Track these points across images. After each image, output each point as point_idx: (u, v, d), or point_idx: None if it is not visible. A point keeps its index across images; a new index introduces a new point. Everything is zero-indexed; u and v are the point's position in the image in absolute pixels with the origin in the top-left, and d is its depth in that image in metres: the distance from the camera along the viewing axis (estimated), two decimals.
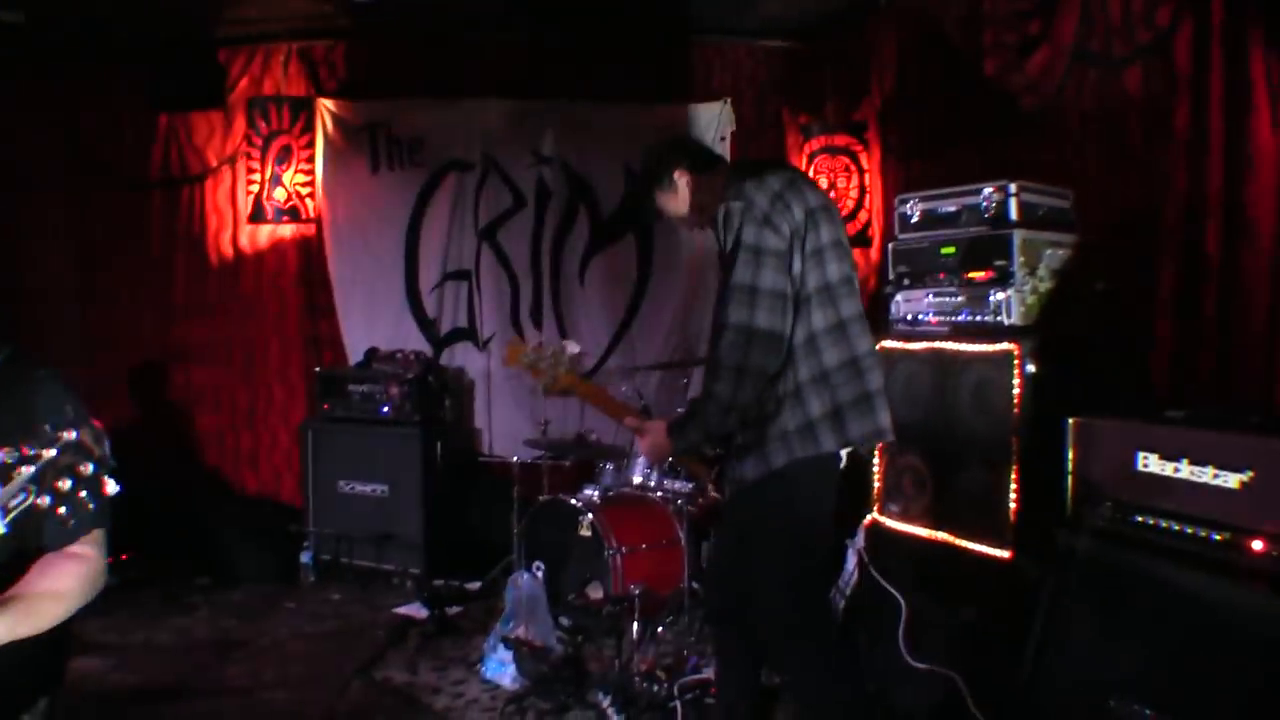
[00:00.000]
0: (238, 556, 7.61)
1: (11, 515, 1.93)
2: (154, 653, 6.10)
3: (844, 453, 3.70)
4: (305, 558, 7.46)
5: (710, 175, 3.87)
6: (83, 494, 1.94)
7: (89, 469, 1.94)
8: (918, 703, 4.47)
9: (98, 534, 2.49)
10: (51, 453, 1.93)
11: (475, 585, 7.03)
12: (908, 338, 5.06)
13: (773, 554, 3.70)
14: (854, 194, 7.73)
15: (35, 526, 2.28)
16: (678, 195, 3.93)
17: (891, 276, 5.26)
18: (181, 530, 7.69)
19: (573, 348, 4.13)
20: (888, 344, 4.99)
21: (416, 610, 6.61)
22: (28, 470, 1.92)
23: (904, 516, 4.90)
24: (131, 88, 8.30)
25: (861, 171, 7.73)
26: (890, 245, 5.32)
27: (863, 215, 7.72)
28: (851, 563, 5.16)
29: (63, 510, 1.94)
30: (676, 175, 3.89)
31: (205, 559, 7.62)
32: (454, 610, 6.54)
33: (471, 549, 7.34)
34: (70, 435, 1.95)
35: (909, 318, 5.11)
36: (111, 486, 1.99)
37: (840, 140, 7.78)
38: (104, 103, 8.44)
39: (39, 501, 1.92)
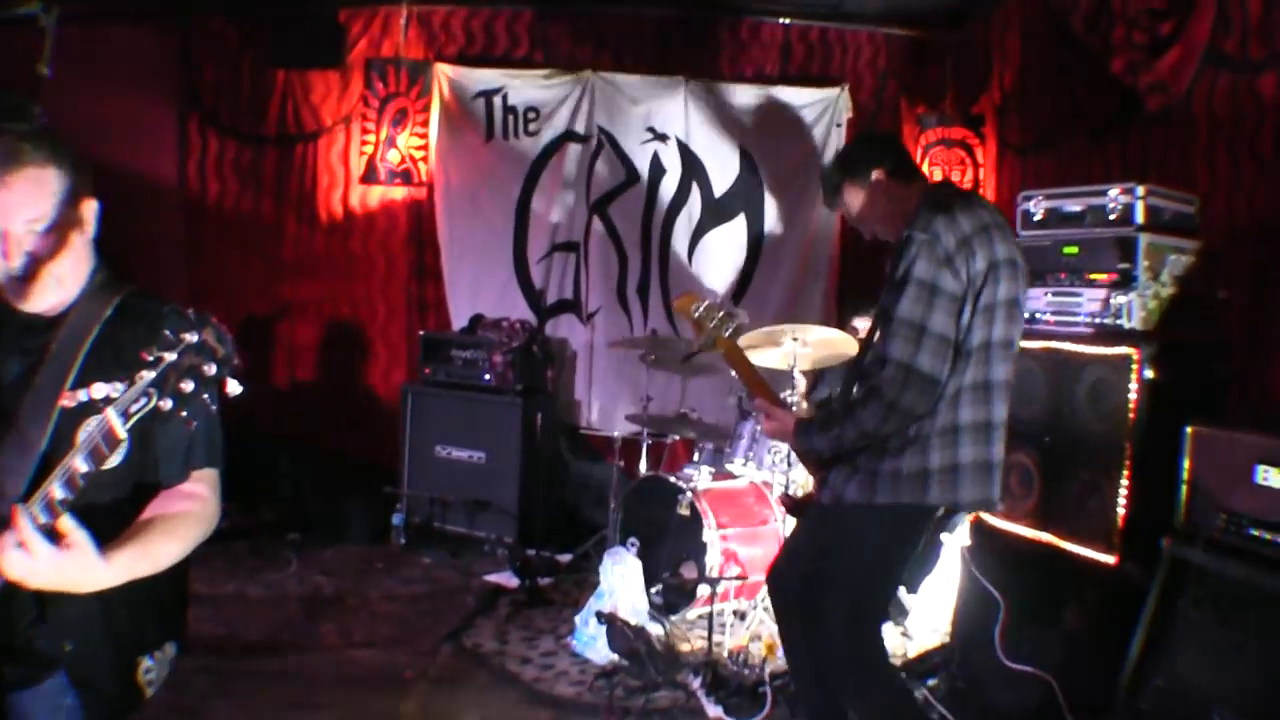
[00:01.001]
0: (331, 514, 7.64)
1: (134, 419, 1.95)
2: (244, 605, 6.15)
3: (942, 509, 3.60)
4: (397, 520, 7.46)
5: (906, 188, 3.76)
6: (205, 396, 1.97)
7: (212, 369, 1.95)
8: (1011, 705, 4.40)
9: (211, 474, 2.50)
10: (173, 355, 1.93)
11: (567, 557, 7.00)
12: (1024, 335, 4.91)
13: (845, 579, 3.65)
14: (968, 187, 7.55)
15: (155, 458, 2.31)
16: (865, 192, 3.82)
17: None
18: (276, 485, 7.75)
19: (742, 316, 4.07)
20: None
21: (507, 579, 6.61)
22: (149, 374, 1.93)
23: (1009, 515, 4.77)
24: (251, 43, 8.40)
25: (976, 165, 7.57)
26: None
27: None
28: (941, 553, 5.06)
29: (185, 413, 1.96)
30: (874, 172, 3.79)
31: (298, 515, 7.66)
32: (545, 581, 6.53)
33: (565, 521, 7.34)
34: (191, 337, 1.95)
35: (1028, 315, 4.96)
36: (234, 387, 2.00)
37: (956, 133, 7.63)
38: (222, 56, 8.52)
39: (161, 404, 1.94)
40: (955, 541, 4.96)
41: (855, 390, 3.66)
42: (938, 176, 7.55)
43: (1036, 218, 4.98)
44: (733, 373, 4.21)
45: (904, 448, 3.46)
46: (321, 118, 8.47)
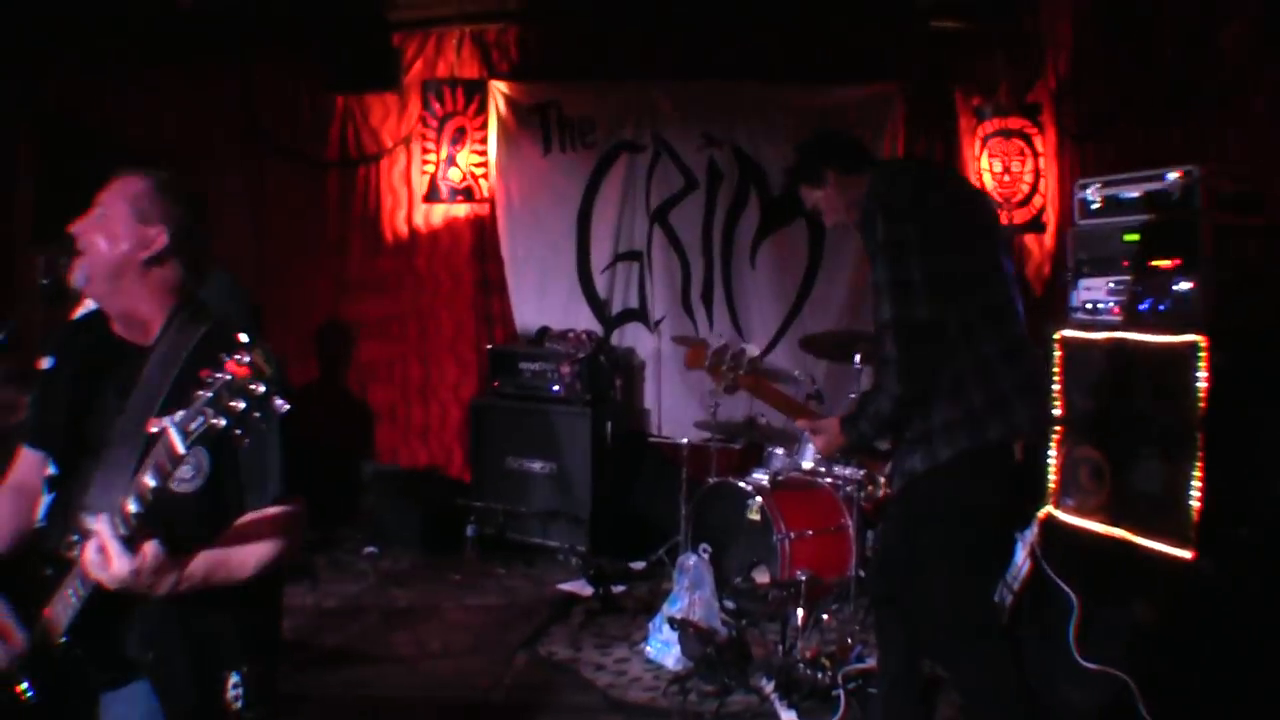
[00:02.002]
0: (405, 527, 7.75)
1: (192, 438, 2.09)
2: (321, 617, 6.26)
3: (1017, 446, 3.60)
4: (471, 531, 7.52)
5: (856, 177, 3.84)
6: (256, 414, 2.09)
7: (260, 389, 2.07)
8: (1087, 704, 4.34)
9: (291, 498, 2.59)
10: (226, 376, 2.06)
11: (639, 565, 7.04)
12: (1087, 326, 4.87)
13: (937, 547, 3.67)
14: (1029, 178, 7.52)
15: (236, 484, 2.50)
16: (822, 193, 3.93)
17: (1071, 264, 5.06)
18: (351, 499, 7.86)
19: (752, 350, 4.17)
20: (1066, 333, 4.85)
21: (581, 587, 6.66)
22: (205, 394, 2.07)
23: (1079, 511, 4.73)
24: (309, 70, 8.52)
25: (1036, 155, 7.51)
26: (1069, 231, 5.13)
27: (1037, 200, 7.51)
28: (1021, 556, 5.01)
29: (239, 430, 2.09)
30: (827, 173, 3.89)
31: (373, 528, 7.78)
32: (618, 589, 6.56)
33: (637, 529, 7.37)
34: (242, 359, 2.07)
35: (1088, 306, 4.91)
36: (281, 404, 2.13)
37: (1014, 123, 7.58)
38: (282, 84, 8.69)
39: (215, 423, 2.07)
40: (1028, 540, 4.95)
41: (876, 365, 3.72)
42: (997, 168, 7.50)
43: (1094, 206, 4.93)
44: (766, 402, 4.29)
45: (941, 399, 3.52)
46: (382, 140, 8.59)
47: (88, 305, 3.81)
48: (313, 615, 6.23)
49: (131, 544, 2.19)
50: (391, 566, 7.26)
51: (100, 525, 2.18)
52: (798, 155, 4.02)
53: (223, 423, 2.07)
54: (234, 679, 2.55)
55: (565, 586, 6.77)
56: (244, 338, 2.13)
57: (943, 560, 3.65)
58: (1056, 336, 4.84)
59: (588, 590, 6.56)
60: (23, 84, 7.99)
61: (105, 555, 2.17)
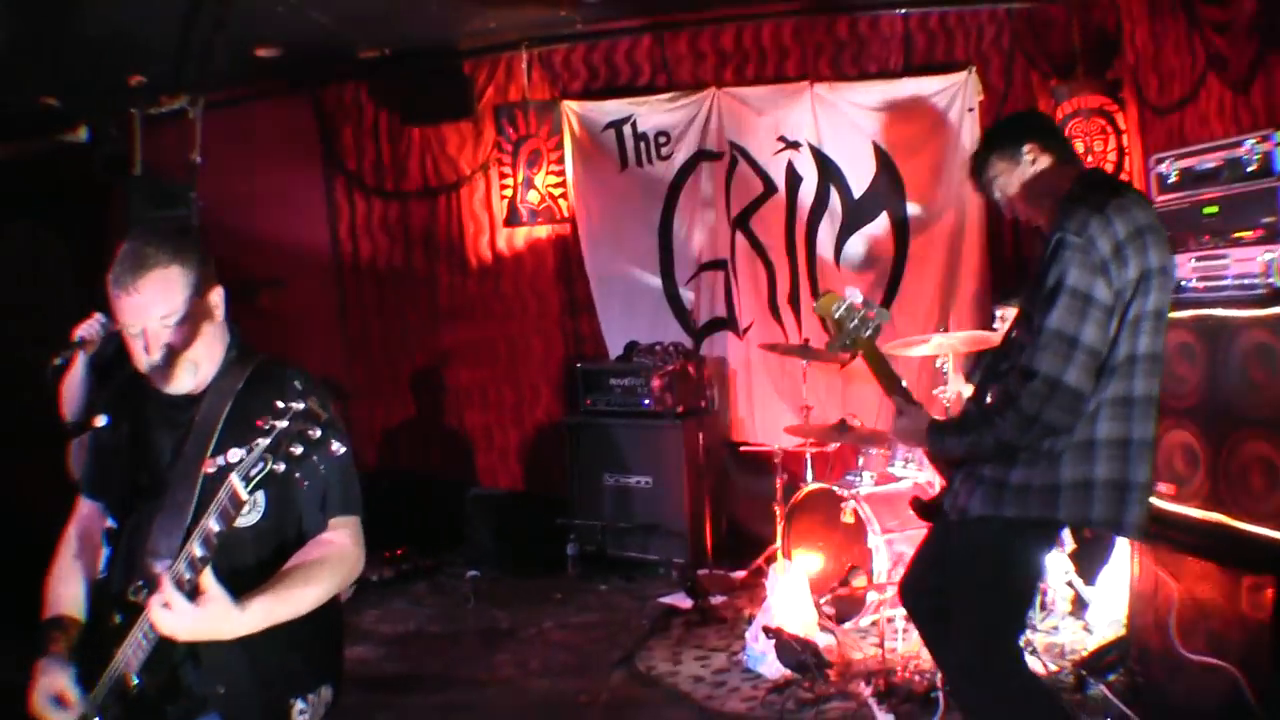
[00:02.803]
0: (505, 549, 7.84)
1: (254, 482, 2.17)
2: (425, 641, 6.38)
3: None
4: (571, 550, 7.59)
5: (1058, 169, 3.63)
6: (314, 457, 2.18)
7: (316, 433, 2.16)
8: (1194, 698, 4.20)
9: (350, 521, 2.69)
10: (284, 423, 2.15)
11: (739, 574, 7.04)
12: (1172, 306, 4.73)
13: (971, 595, 3.57)
14: (1112, 157, 7.33)
15: (294, 513, 2.61)
16: (1015, 170, 3.68)
17: None
18: (451, 524, 7.95)
19: (886, 315, 3.96)
20: None
21: (680, 600, 6.67)
22: (264, 441, 2.15)
23: (1175, 497, 4.59)
24: (384, 104, 8.70)
25: (1119, 132, 7.33)
26: None
27: (1123, 178, 7.30)
28: (1118, 545, 4.90)
29: (298, 474, 2.19)
30: (1025, 148, 3.65)
31: (474, 552, 7.87)
32: (717, 599, 6.58)
33: (734, 538, 7.39)
34: (298, 405, 2.16)
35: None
36: (338, 447, 2.22)
37: (1093, 101, 7.38)
38: (358, 120, 8.87)
39: (275, 468, 2.16)
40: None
41: (991, 395, 3.56)
42: (1079, 149, 7.33)
43: (1171, 180, 4.80)
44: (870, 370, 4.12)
45: (1035, 460, 3.36)
46: (460, 167, 8.70)
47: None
48: (415, 640, 6.34)
49: (195, 591, 2.25)
50: (493, 588, 7.33)
51: (164, 582, 2.24)
52: (999, 122, 3.84)
53: (282, 468, 2.16)
54: (299, 705, 2.64)
55: (665, 600, 6.78)
56: (299, 384, 2.24)
57: (970, 607, 3.56)
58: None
59: (687, 602, 6.57)
60: (114, 131, 8.24)
61: (171, 610, 2.24)
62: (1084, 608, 5.62)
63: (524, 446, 8.80)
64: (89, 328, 4.36)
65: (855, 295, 3.93)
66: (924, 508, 3.96)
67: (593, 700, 5.27)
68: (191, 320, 2.61)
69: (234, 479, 2.17)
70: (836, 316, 3.94)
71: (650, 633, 6.20)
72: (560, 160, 8.38)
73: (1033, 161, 3.63)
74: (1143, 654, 4.56)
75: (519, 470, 8.81)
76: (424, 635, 6.47)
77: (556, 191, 8.40)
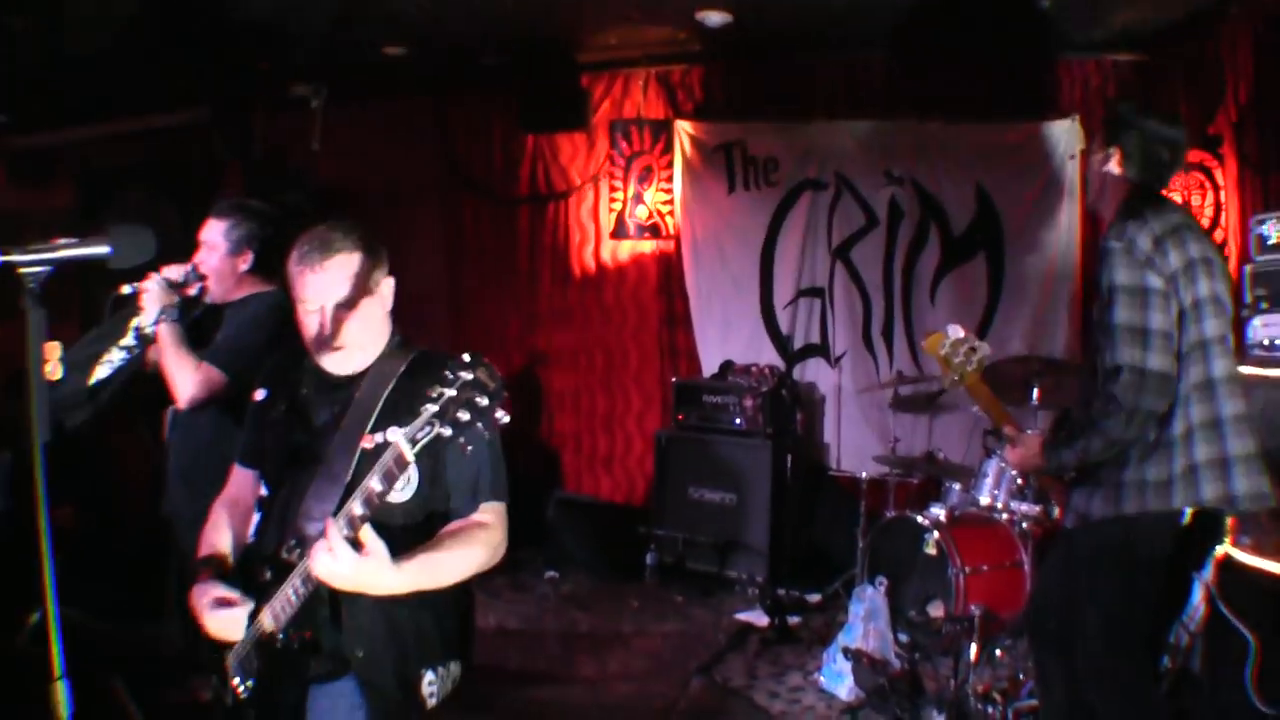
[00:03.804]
0: (586, 553, 7.99)
1: (419, 445, 2.29)
2: (505, 637, 6.52)
3: (1189, 511, 3.57)
4: (650, 559, 7.71)
5: (1126, 180, 3.78)
6: (479, 424, 2.26)
7: (484, 401, 2.25)
8: None
9: (498, 506, 2.84)
10: (452, 391, 2.25)
11: (815, 597, 7.12)
12: (1266, 364, 4.80)
13: (1100, 593, 3.68)
14: (1209, 212, 7.38)
15: (445, 488, 2.71)
16: (1099, 159, 3.86)
17: (1248, 300, 5.00)
18: (533, 524, 8.11)
19: (986, 349, 4.11)
20: (1244, 369, 4.75)
21: (757, 617, 6.77)
22: (431, 407, 2.26)
23: (1259, 550, 4.63)
24: (502, 112, 8.93)
25: (1216, 188, 7.37)
26: (1247, 267, 5.06)
27: (1218, 234, 7.35)
28: (1198, 597, 4.93)
29: (462, 438, 2.27)
30: (1113, 148, 3.80)
31: (554, 553, 8.03)
32: (794, 619, 6.65)
33: (814, 560, 7.45)
34: (467, 375, 2.26)
35: (1267, 342, 4.85)
36: (503, 416, 2.29)
37: (1193, 156, 7.39)
38: (477, 126, 9.14)
39: (442, 432, 2.26)
40: (1204, 579, 4.86)
41: (1093, 403, 3.68)
42: (1177, 201, 7.34)
43: (1271, 240, 4.87)
44: (975, 407, 4.25)
45: (1146, 456, 3.51)
46: (570, 178, 8.90)
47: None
48: (495, 636, 6.48)
49: (356, 546, 2.40)
50: (572, 590, 7.49)
51: (330, 528, 2.39)
52: (1120, 105, 3.94)
53: (448, 433, 2.26)
54: (429, 675, 2.78)
55: (742, 616, 6.88)
56: (468, 356, 2.31)
57: (1102, 608, 3.66)
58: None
59: (764, 620, 6.66)
60: (234, 128, 8.51)
61: (334, 555, 2.38)
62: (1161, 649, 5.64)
63: (611, 455, 8.97)
64: (175, 270, 4.26)
65: (957, 331, 4.09)
66: (1047, 535, 4.04)
67: (671, 706, 5.41)
68: (364, 305, 2.80)
69: (400, 440, 2.29)
70: (943, 353, 4.09)
71: (727, 647, 6.31)
72: (670, 178, 8.56)
73: (1113, 163, 3.80)
74: (1216, 705, 4.60)
75: (605, 477, 8.98)
76: (504, 631, 6.62)
77: (664, 208, 8.58)
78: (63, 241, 2.19)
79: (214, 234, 4.36)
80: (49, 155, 10.06)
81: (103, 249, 2.22)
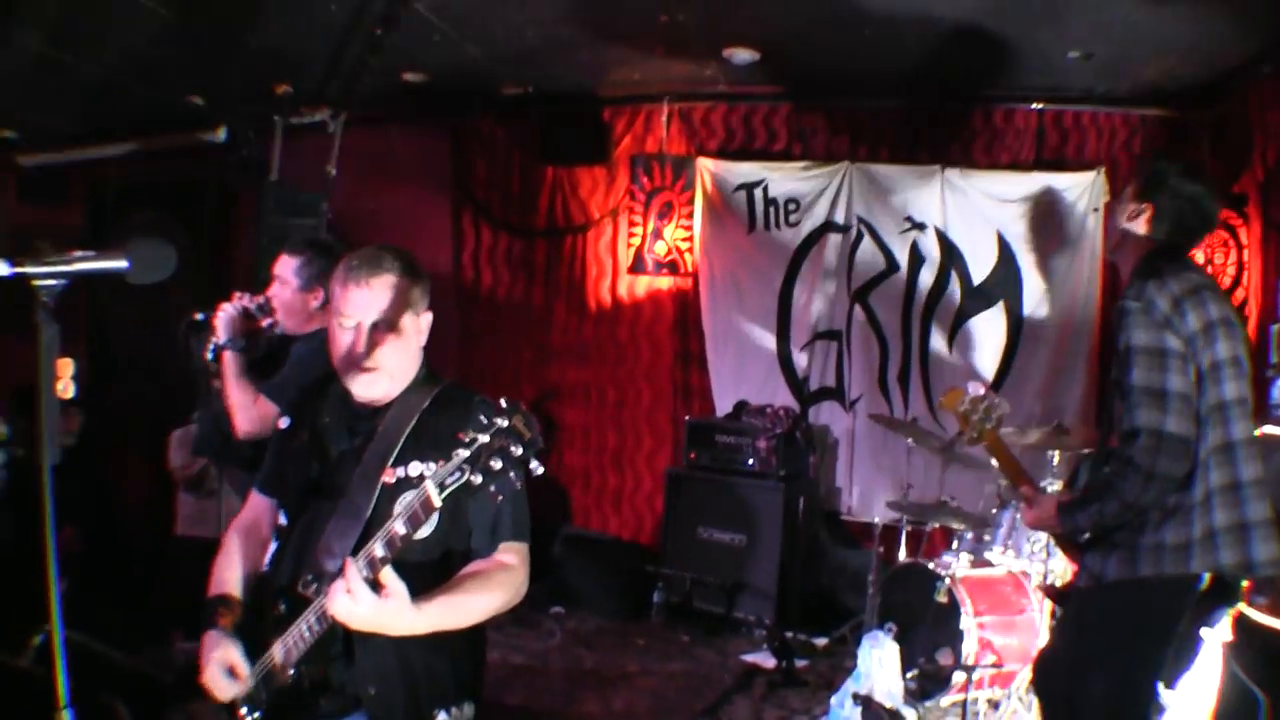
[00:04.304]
0: (592, 590, 7.92)
1: (448, 490, 2.26)
2: (508, 671, 6.45)
3: (1207, 576, 3.51)
4: (657, 598, 7.66)
5: (1146, 238, 3.70)
6: (512, 473, 2.24)
7: (518, 450, 2.23)
8: None
9: (520, 547, 2.79)
10: (485, 437, 2.23)
11: (823, 641, 7.07)
12: None
13: (1108, 656, 3.61)
14: (1231, 270, 7.31)
15: (466, 528, 2.66)
16: (1126, 214, 3.77)
17: (1275, 359, 4.95)
18: (540, 560, 8.03)
19: (1004, 407, 4.08)
20: (1268, 429, 4.71)
21: (764, 659, 6.72)
22: (464, 453, 2.23)
23: (1273, 610, 4.57)
24: (520, 142, 8.94)
25: (1240, 247, 7.30)
26: (1274, 327, 5.01)
27: (1239, 293, 7.29)
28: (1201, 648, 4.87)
29: (492, 487, 2.25)
30: (1145, 205, 3.69)
31: (561, 588, 7.97)
32: (801, 663, 6.59)
33: (822, 604, 7.40)
34: (503, 421, 2.24)
35: None
36: (537, 467, 2.27)
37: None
38: (493, 155, 9.12)
39: (472, 479, 2.24)
40: (1215, 636, 4.79)
41: (1108, 465, 3.63)
42: (1199, 259, 7.30)
43: None
44: (993, 461, 4.21)
45: (1164, 520, 3.44)
46: (589, 211, 8.88)
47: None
48: (499, 671, 6.40)
49: (375, 587, 2.36)
50: (578, 627, 7.43)
51: (349, 569, 2.35)
52: (1159, 165, 3.87)
53: (479, 480, 2.24)
54: (442, 716, 2.73)
55: (749, 658, 6.83)
56: (504, 401, 2.29)
57: (1108, 671, 3.59)
58: (1256, 434, 4.72)
59: (771, 662, 6.61)
60: (250, 151, 8.53)
61: (353, 597, 2.34)
62: (1160, 712, 5.56)
63: (621, 492, 8.92)
64: (233, 306, 4.29)
65: (977, 389, 4.06)
66: (1057, 594, 4.01)
67: None
68: (400, 332, 2.77)
69: (429, 485, 2.27)
70: (963, 410, 4.06)
71: (734, 689, 6.26)
72: (690, 215, 8.54)
73: (1138, 220, 3.70)
74: None
75: (613, 515, 8.93)
76: (508, 665, 6.55)
77: (684, 245, 8.56)
78: (79, 254, 2.16)
79: (286, 270, 4.34)
80: (61, 173, 10.11)
81: (121, 263, 2.19)
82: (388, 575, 2.36)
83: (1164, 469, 3.34)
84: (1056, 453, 5.92)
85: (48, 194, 10.24)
